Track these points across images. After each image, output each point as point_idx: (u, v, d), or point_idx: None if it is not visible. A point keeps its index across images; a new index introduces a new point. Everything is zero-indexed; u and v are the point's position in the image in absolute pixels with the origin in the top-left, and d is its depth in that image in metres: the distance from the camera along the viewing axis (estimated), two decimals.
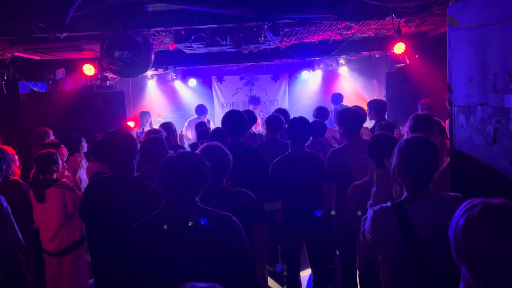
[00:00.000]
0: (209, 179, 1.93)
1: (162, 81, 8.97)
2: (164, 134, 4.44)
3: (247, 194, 2.50)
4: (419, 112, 4.93)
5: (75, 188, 3.47)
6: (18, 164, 3.86)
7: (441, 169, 2.96)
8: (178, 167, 1.86)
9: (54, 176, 3.47)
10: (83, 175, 4.16)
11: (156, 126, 6.73)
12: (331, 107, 7.31)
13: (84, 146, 4.55)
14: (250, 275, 1.94)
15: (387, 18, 4.21)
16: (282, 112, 5.11)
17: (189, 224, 1.77)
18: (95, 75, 6.15)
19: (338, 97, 7.44)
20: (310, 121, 3.77)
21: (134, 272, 1.87)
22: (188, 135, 7.10)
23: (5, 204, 2.81)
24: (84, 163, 4.39)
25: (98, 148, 3.74)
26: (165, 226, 1.79)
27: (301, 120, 3.54)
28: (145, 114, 7.31)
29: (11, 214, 2.82)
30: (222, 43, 4.79)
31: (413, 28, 5.40)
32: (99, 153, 3.65)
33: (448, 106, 2.57)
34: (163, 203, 1.88)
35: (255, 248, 2.65)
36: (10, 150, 3.71)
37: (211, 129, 5.52)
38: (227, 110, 3.73)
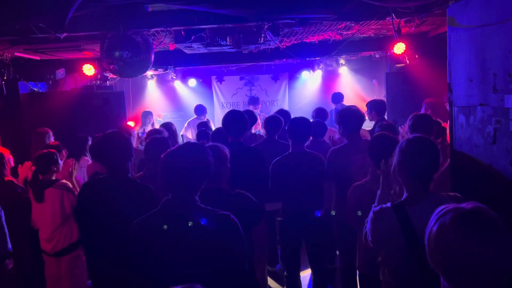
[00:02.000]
0: (212, 172, 1.91)
1: (162, 81, 8.97)
2: (166, 134, 4.45)
3: (245, 196, 2.49)
4: (423, 111, 4.93)
5: (74, 190, 3.47)
6: (12, 165, 3.86)
7: (441, 170, 2.96)
8: (178, 161, 1.84)
9: (54, 177, 3.47)
10: (84, 176, 4.16)
11: (156, 126, 6.73)
12: (331, 107, 7.32)
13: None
14: (248, 275, 1.94)
15: (387, 18, 4.21)
16: (283, 113, 5.11)
17: (189, 224, 1.77)
18: (95, 75, 6.15)
19: (338, 97, 7.44)
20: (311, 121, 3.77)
21: (130, 271, 1.87)
22: (188, 135, 7.10)
23: None
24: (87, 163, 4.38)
25: (95, 148, 3.75)
26: (165, 226, 1.78)
27: (302, 120, 3.54)
28: (147, 114, 7.29)
29: (3, 221, 2.80)
30: (222, 43, 4.79)
31: (413, 28, 5.40)
32: (96, 153, 3.66)
33: (448, 106, 2.58)
34: (163, 201, 1.87)
35: (255, 248, 2.65)
36: (4, 151, 3.72)
37: (212, 129, 5.53)
38: (227, 110, 3.74)
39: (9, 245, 2.77)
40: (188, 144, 1.98)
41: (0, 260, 2.89)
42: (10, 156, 3.82)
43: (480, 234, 1.15)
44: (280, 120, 4.32)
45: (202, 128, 5.17)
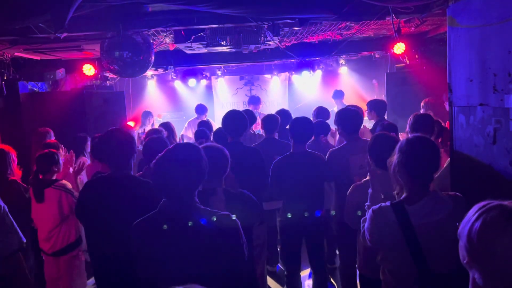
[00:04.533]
0: (207, 170, 1.89)
1: (162, 81, 8.97)
2: (165, 133, 4.44)
3: (247, 196, 2.49)
4: (422, 111, 4.94)
5: (74, 190, 3.46)
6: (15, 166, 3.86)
7: (441, 169, 2.96)
8: (171, 164, 1.81)
9: (54, 177, 3.47)
10: (84, 176, 4.15)
11: (156, 126, 6.72)
12: (331, 106, 7.32)
13: (89, 146, 4.55)
14: (248, 275, 1.93)
15: (387, 18, 4.20)
16: (283, 112, 5.11)
17: (189, 224, 1.77)
18: (95, 75, 6.15)
19: (339, 93, 7.48)
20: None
21: (132, 271, 1.87)
22: (189, 134, 7.11)
23: (1, 203, 2.80)
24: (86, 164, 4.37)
25: (97, 146, 3.74)
26: (165, 226, 1.78)
27: (304, 120, 3.54)
28: (147, 115, 7.28)
29: (9, 213, 2.81)
30: (222, 43, 4.79)
31: (413, 28, 5.40)
32: (98, 152, 3.66)
33: (447, 106, 2.57)
34: (161, 203, 1.86)
35: (255, 248, 2.66)
36: (11, 150, 3.72)
37: (212, 128, 5.52)
38: (227, 110, 3.74)
39: (22, 237, 2.76)
40: (178, 145, 1.95)
41: (15, 252, 2.88)
42: (15, 158, 3.81)
43: None
44: (277, 119, 4.33)
45: (201, 127, 5.15)
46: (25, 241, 2.77)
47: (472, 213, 1.26)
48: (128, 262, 1.91)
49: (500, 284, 1.18)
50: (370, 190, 2.28)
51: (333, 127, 5.30)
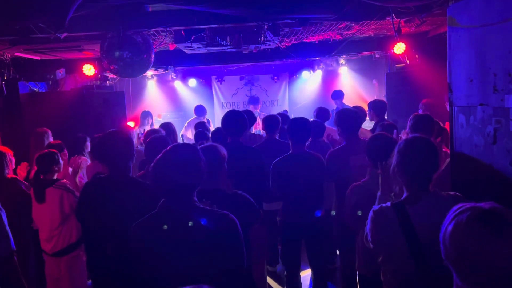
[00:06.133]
0: (205, 170, 1.90)
1: (162, 81, 8.97)
2: (164, 133, 4.44)
3: (243, 196, 2.48)
4: (420, 112, 4.94)
5: (74, 190, 3.46)
6: (13, 166, 3.86)
7: (441, 169, 2.96)
8: (171, 164, 1.81)
9: (55, 177, 3.47)
10: (84, 176, 4.15)
11: (155, 126, 6.71)
12: (332, 106, 7.32)
13: (89, 146, 4.55)
14: (246, 275, 1.92)
15: (387, 18, 4.21)
16: (281, 115, 5.12)
17: (190, 224, 1.77)
18: (95, 75, 6.15)
19: (338, 94, 7.48)
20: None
21: (131, 272, 1.87)
22: (188, 135, 7.10)
23: None
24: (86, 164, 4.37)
25: (96, 148, 3.74)
26: (165, 226, 1.78)
27: (301, 120, 3.54)
28: (147, 115, 7.22)
29: (4, 219, 2.79)
30: (222, 43, 4.79)
31: (413, 28, 5.40)
32: (97, 153, 3.66)
33: (448, 106, 2.57)
34: (160, 204, 1.86)
35: (254, 248, 2.65)
36: (7, 150, 3.72)
37: (211, 129, 5.52)
38: (227, 110, 3.75)
39: (12, 244, 2.75)
40: (176, 146, 1.96)
41: (6, 259, 2.89)
42: (12, 157, 3.81)
43: (495, 234, 1.15)
44: (278, 119, 4.34)
45: (200, 128, 5.15)
46: (14, 249, 2.73)
47: (448, 216, 1.28)
48: (126, 263, 1.91)
49: (474, 284, 1.20)
50: (379, 193, 2.26)
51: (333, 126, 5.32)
